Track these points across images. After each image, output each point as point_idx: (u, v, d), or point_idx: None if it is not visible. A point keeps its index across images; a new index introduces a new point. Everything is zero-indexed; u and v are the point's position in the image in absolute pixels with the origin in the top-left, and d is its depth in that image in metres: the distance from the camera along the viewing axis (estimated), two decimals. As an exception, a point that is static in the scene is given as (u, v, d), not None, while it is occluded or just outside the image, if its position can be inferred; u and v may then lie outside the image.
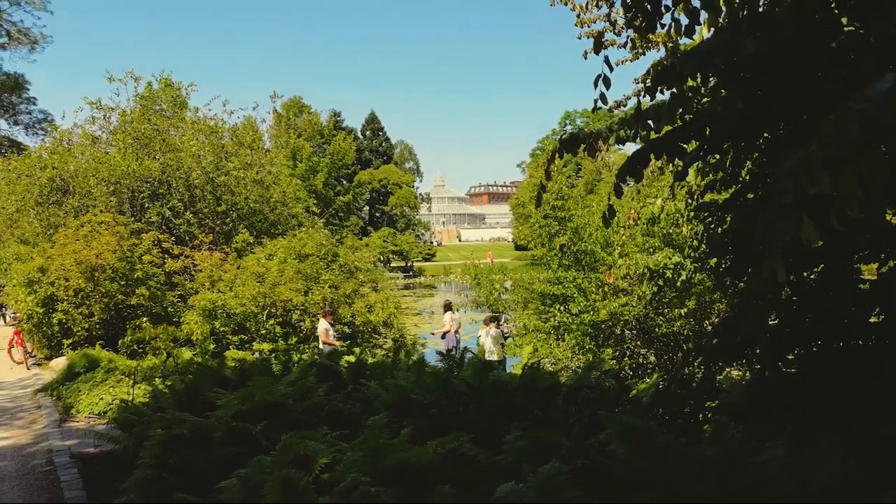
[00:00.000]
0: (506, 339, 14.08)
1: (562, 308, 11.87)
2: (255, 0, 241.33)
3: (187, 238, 16.91)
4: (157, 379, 9.30)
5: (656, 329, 9.61)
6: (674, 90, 4.23)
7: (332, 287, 15.36)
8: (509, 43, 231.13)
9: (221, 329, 14.08)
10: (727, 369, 6.25)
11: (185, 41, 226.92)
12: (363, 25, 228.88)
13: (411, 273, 67.23)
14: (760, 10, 4.34)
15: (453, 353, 14.96)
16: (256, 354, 13.05)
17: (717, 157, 5.13)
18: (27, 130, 56.41)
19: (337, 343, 13.45)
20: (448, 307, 16.11)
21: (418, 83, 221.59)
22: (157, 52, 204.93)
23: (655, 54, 7.52)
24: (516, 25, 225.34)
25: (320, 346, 13.54)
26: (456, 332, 15.74)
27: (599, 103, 4.93)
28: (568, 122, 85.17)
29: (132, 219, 16.84)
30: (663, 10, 4.25)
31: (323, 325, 13.39)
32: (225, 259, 16.14)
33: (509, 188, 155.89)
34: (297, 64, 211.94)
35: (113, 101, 21.32)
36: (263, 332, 14.31)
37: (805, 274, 4.73)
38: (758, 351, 4.87)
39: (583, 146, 5.35)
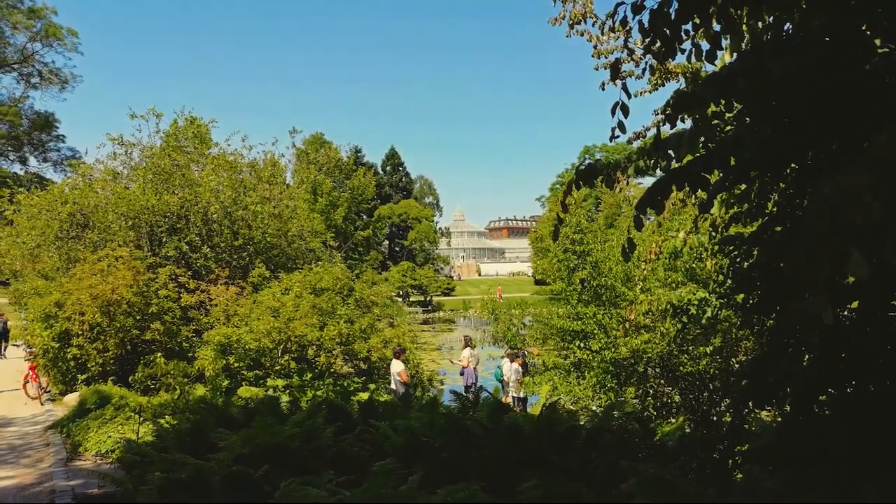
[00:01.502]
0: (523, 374, 13.84)
1: (581, 344, 11.75)
2: (275, 37, 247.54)
3: (204, 272, 16.92)
4: (166, 416, 9.14)
5: (681, 367, 9.38)
6: (695, 117, 4.07)
7: (348, 322, 15.21)
8: (530, 77, 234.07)
9: (236, 365, 13.94)
10: (756, 411, 5.96)
11: (205, 74, 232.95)
12: (384, 60, 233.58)
13: (430, 308, 66.95)
14: (785, 34, 4.18)
15: (472, 389, 14.74)
16: (270, 391, 12.88)
17: (743, 187, 4.93)
18: (55, 167, 57.77)
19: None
20: (467, 343, 15.92)
21: (438, 118, 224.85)
22: (177, 82, 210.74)
23: (675, 85, 7.39)
24: (538, 60, 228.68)
25: (393, 385, 13.72)
26: (475, 367, 15.58)
27: (617, 132, 4.78)
28: (587, 156, 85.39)
29: (149, 253, 16.92)
30: (683, 36, 4.10)
31: (398, 365, 13.57)
32: (241, 293, 16.09)
33: (529, 222, 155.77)
34: (318, 98, 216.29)
35: (135, 136, 21.67)
36: (278, 367, 14.14)
37: (838, 310, 4.47)
38: (789, 391, 4.60)
39: (600, 178, 5.18)
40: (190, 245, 17.14)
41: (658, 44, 3.95)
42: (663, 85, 7.48)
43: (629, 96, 4.44)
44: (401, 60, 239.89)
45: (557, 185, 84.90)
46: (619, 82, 5.06)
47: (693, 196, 6.16)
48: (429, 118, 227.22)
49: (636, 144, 8.91)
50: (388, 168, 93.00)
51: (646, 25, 4.06)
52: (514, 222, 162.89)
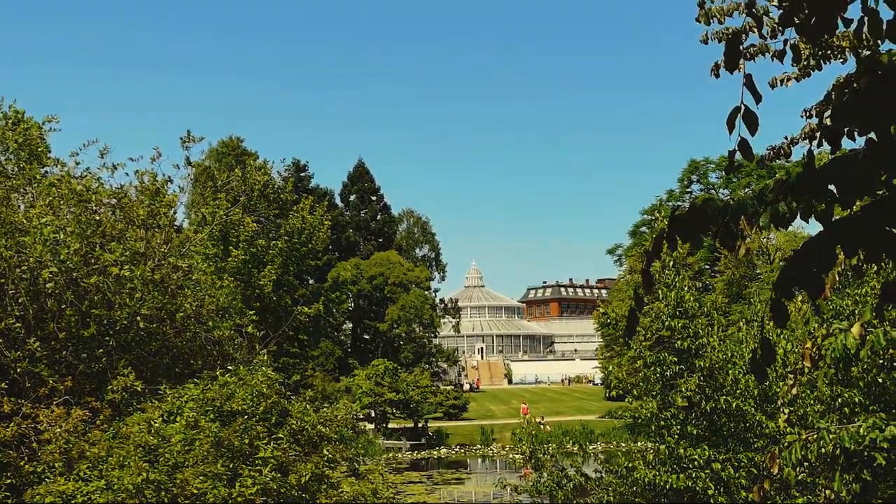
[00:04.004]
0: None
1: (688, 515, 11.62)
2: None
3: (29, 383, 16.85)
4: None
5: (863, 558, 9.24)
6: (873, 134, 4.12)
7: (278, 471, 15.11)
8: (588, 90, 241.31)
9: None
10: None
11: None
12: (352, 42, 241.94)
13: (424, 440, 66.48)
14: None
15: None
16: None
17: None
18: None
19: None
20: None
21: (438, 138, 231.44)
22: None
23: (838, 69, 7.48)
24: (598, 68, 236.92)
25: None
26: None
27: (739, 156, 4.82)
28: (694, 176, 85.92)
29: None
30: (847, -2, 4.17)
31: None
32: (92, 420, 16.01)
33: (594, 290, 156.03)
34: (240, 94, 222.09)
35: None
36: (155, 552, 14.02)
37: None
38: None
39: (713, 229, 5.17)
40: (6, 336, 17.10)
41: (805, 12, 4.01)
42: (818, 69, 7.58)
43: (758, 98, 4.48)
44: (387, 46, 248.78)
45: (643, 228, 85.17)
46: (741, 68, 5.12)
47: (871, 264, 6.14)
48: (425, 140, 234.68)
49: (776, 166, 8.96)
50: (352, 197, 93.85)
51: (783, -21, 4.13)
52: (570, 290, 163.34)
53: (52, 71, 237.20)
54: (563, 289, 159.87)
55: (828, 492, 9.13)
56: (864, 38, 4.86)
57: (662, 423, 12.52)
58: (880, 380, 8.86)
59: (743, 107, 4.35)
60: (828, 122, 4.38)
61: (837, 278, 6.69)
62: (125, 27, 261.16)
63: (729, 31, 6.78)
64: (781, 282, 4.35)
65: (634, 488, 12.66)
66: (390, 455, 55.55)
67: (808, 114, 7.84)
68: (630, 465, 12.76)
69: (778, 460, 7.55)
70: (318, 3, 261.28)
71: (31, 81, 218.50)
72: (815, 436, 7.59)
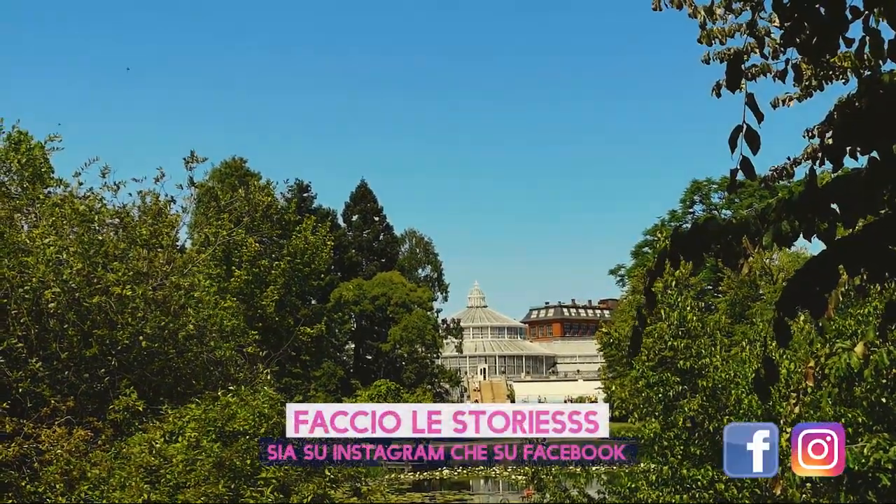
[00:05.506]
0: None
1: (690, 536, 11.54)
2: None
3: (31, 403, 16.82)
4: None
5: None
6: (875, 153, 4.10)
7: (280, 492, 15.05)
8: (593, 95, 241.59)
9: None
10: None
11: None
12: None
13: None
14: None
15: None
16: None
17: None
18: None
19: None
20: None
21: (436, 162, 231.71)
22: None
23: (840, 90, 7.47)
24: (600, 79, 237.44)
25: None
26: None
27: (739, 175, 4.79)
28: (697, 196, 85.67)
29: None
30: (849, 17, 4.16)
31: None
32: (94, 440, 15.97)
33: (596, 311, 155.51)
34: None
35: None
36: (157, 577, 13.96)
37: None
38: None
39: (714, 248, 5.13)
40: (7, 356, 17.08)
41: (807, 32, 4.01)
42: (820, 89, 7.57)
43: (759, 117, 4.47)
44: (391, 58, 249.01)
45: (645, 249, 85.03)
46: (743, 87, 5.12)
47: (876, 284, 6.13)
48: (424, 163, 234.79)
49: (780, 186, 8.95)
50: (354, 218, 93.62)
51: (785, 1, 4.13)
52: (573, 310, 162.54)
53: (55, 82, 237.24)
54: (565, 309, 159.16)
55: (831, 511, 9.09)
56: (865, 58, 4.86)
57: (665, 443, 12.46)
58: (884, 400, 8.85)
59: (745, 125, 4.33)
60: (830, 141, 4.35)
61: (841, 298, 6.68)
62: (128, 43, 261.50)
63: (731, 51, 6.79)
64: (784, 301, 4.32)
65: (638, 509, 12.62)
66: (393, 476, 55.21)
67: (810, 134, 7.83)
68: (633, 485, 12.68)
69: (781, 481, 7.52)
70: (327, 27, 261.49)
71: (33, 94, 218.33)
72: (819, 455, 7.56)
